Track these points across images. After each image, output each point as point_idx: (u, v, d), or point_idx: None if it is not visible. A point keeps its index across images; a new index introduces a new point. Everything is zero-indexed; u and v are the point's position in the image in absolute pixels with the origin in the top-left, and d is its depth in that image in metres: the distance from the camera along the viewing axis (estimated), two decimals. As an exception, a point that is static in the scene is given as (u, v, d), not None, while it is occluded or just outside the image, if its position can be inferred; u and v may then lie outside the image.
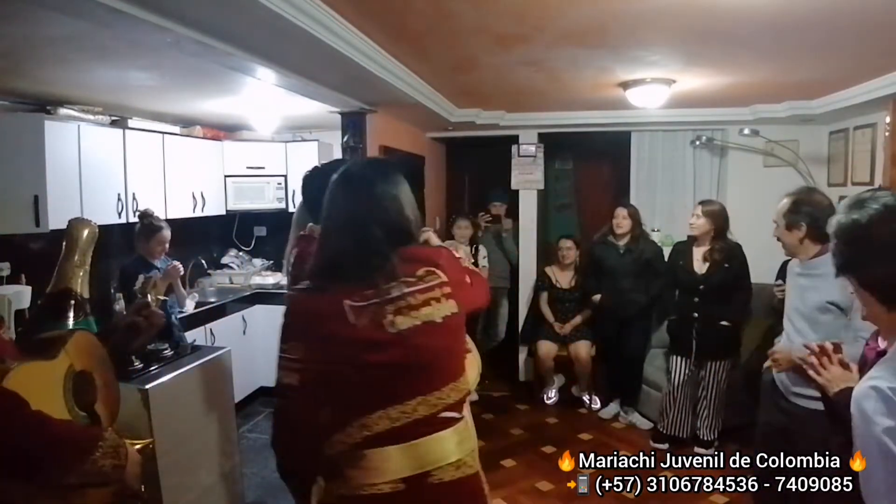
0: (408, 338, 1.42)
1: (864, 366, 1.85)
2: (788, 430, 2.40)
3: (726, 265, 3.81)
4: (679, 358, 3.99)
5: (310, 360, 1.43)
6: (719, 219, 3.86)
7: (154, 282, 1.57)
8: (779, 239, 2.52)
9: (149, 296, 1.56)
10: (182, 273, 3.61)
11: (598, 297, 4.63)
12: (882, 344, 1.81)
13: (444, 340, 1.49)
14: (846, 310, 2.32)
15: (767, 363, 2.58)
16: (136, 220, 3.64)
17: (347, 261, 1.47)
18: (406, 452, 1.40)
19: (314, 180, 2.51)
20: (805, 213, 2.38)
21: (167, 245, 3.51)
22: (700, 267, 3.88)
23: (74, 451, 1.16)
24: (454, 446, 1.45)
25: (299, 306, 1.52)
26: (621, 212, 4.57)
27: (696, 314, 3.87)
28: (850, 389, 1.75)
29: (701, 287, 3.84)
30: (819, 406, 2.18)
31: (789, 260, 2.78)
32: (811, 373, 1.82)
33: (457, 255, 1.63)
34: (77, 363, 1.25)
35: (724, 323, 3.83)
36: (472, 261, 5.03)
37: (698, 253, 3.91)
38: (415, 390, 1.43)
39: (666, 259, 4.42)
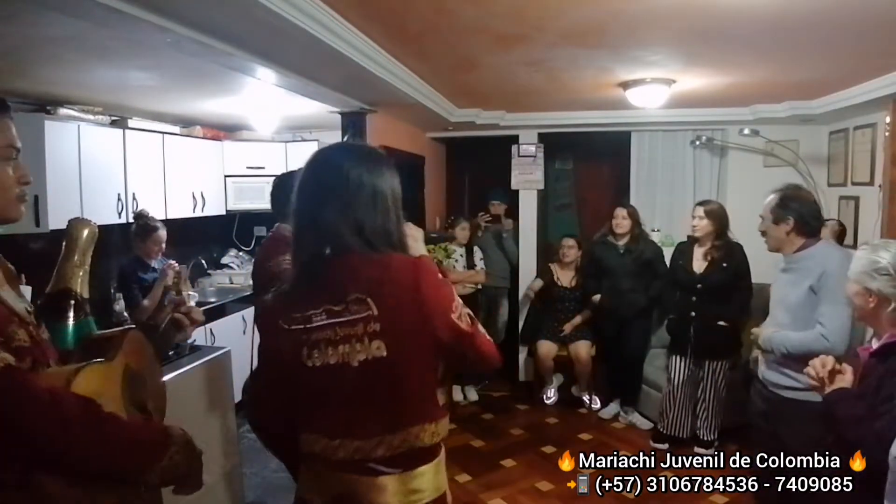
0: (322, 378, 1.27)
1: (858, 366, 1.86)
2: (767, 413, 2.54)
3: (724, 265, 3.81)
4: (678, 357, 3.99)
5: (267, 370, 1.44)
6: (720, 218, 3.87)
7: (185, 277, 1.57)
8: (764, 233, 2.58)
9: (183, 291, 1.56)
10: (184, 274, 3.61)
11: (597, 297, 4.63)
12: (875, 344, 1.83)
13: (367, 387, 1.26)
14: (817, 293, 2.41)
15: (755, 353, 2.70)
16: (133, 219, 3.64)
17: (295, 267, 1.35)
18: (335, 480, 1.32)
19: (284, 185, 2.57)
20: (792, 209, 2.47)
21: (164, 245, 3.51)
22: (699, 266, 3.89)
23: (152, 449, 1.16)
24: (390, 497, 1.28)
25: (262, 312, 1.48)
26: (621, 212, 4.57)
27: (693, 313, 3.87)
28: (841, 389, 1.77)
29: (698, 286, 3.85)
30: (792, 395, 2.38)
31: None
32: (812, 384, 1.84)
33: (442, 276, 1.33)
34: (132, 362, 1.25)
35: (721, 323, 3.83)
36: (465, 262, 5.02)
37: (699, 253, 3.92)
38: (338, 431, 1.29)
39: (666, 259, 4.42)
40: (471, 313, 1.34)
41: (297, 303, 1.29)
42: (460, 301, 1.31)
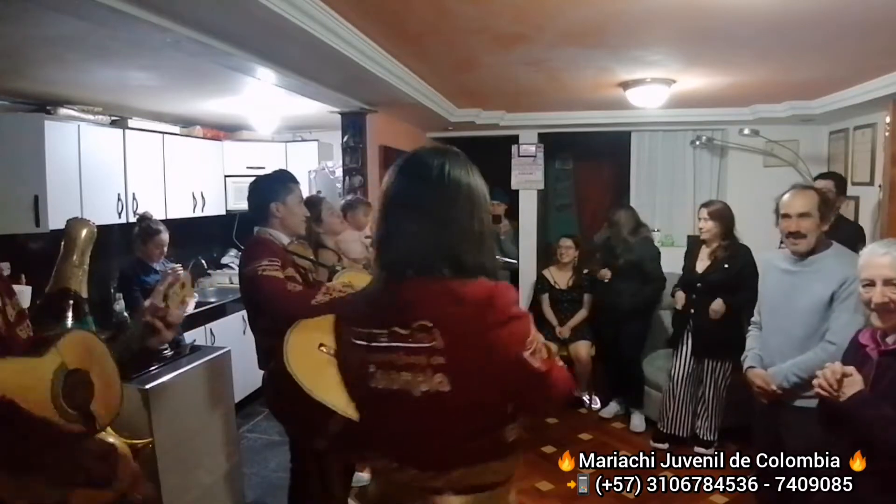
0: (385, 402, 1.19)
1: (863, 366, 1.85)
2: (769, 418, 2.51)
3: (726, 265, 3.81)
4: (678, 354, 4.00)
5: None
6: (726, 219, 3.88)
7: (182, 282, 1.54)
8: (797, 234, 2.42)
9: (171, 297, 1.53)
10: (186, 280, 3.61)
11: (606, 271, 4.56)
12: (890, 341, 1.80)
13: (428, 420, 1.17)
14: (834, 301, 2.35)
15: (746, 365, 2.70)
16: (135, 221, 3.64)
17: (375, 279, 1.27)
18: (403, 492, 1.25)
19: (261, 187, 2.65)
20: (830, 206, 2.47)
21: (165, 248, 3.51)
22: (701, 266, 3.90)
23: (47, 445, 1.15)
24: None
25: (332, 310, 1.38)
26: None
27: (692, 311, 3.88)
28: (861, 392, 1.75)
29: (698, 285, 3.85)
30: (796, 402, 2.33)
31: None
32: (823, 394, 1.82)
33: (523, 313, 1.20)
34: (70, 361, 1.24)
35: (716, 320, 3.83)
36: None
37: (704, 252, 3.94)
38: (395, 457, 1.23)
39: (666, 259, 4.42)
40: (549, 345, 1.25)
41: (365, 317, 1.23)
42: (538, 335, 1.21)
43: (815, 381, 1.84)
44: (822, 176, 3.99)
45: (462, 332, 1.14)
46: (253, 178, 2.77)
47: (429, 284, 1.18)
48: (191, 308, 4.20)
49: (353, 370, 1.23)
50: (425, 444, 1.20)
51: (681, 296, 3.95)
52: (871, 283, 1.85)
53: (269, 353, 2.42)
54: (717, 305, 3.77)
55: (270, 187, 2.63)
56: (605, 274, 4.55)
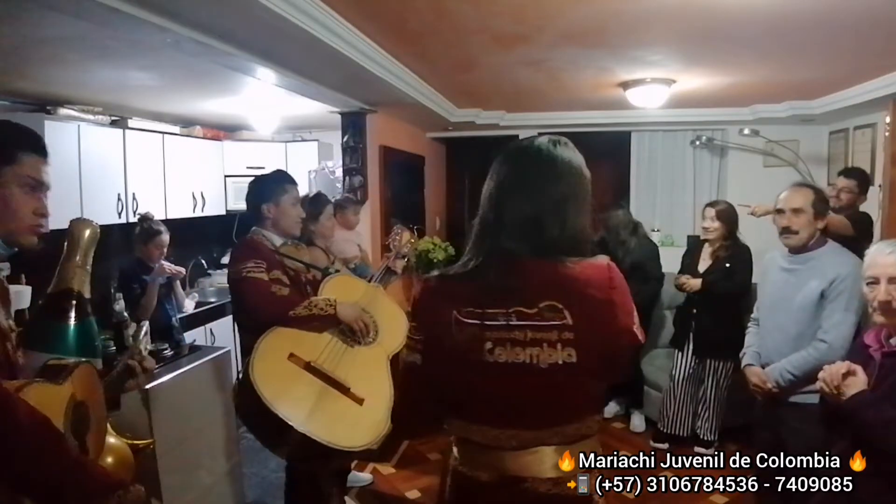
0: (504, 373, 1.28)
1: (866, 366, 1.85)
2: (769, 416, 2.52)
3: (727, 265, 3.82)
4: (679, 353, 4.01)
5: (425, 348, 1.38)
6: (730, 219, 3.89)
7: (145, 331, 1.63)
8: (788, 229, 2.45)
9: (140, 342, 1.59)
10: (180, 274, 3.61)
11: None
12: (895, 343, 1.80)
13: (553, 387, 1.28)
14: (826, 298, 2.36)
15: (744, 363, 2.70)
16: (136, 221, 3.64)
17: (476, 258, 1.32)
18: (500, 456, 1.33)
19: (260, 187, 2.66)
20: (827, 204, 2.44)
21: (165, 249, 3.51)
22: (703, 265, 3.91)
23: (94, 486, 1.14)
24: (551, 465, 1.32)
25: (425, 290, 1.41)
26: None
27: (694, 310, 3.89)
28: (864, 393, 1.75)
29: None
30: (794, 398, 2.35)
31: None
32: (826, 392, 1.82)
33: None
34: (79, 393, 1.24)
35: (716, 319, 3.83)
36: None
37: (706, 252, 3.95)
38: (511, 423, 1.31)
39: (666, 260, 4.42)
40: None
41: (478, 296, 1.28)
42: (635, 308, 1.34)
43: (820, 375, 1.85)
44: (845, 173, 3.89)
45: (589, 309, 1.25)
46: (252, 178, 2.77)
47: (550, 265, 1.26)
48: (190, 308, 4.22)
49: (465, 345, 1.29)
50: (545, 407, 1.31)
51: (692, 282, 3.86)
52: (876, 282, 1.85)
53: (246, 352, 2.41)
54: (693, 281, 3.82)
55: (264, 188, 2.63)
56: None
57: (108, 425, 1.48)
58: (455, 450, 1.42)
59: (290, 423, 2.09)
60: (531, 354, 1.26)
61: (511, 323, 1.26)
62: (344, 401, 2.27)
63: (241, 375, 2.39)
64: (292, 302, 2.38)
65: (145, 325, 1.67)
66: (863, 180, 3.80)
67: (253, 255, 2.48)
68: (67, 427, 1.19)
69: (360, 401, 2.29)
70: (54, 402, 1.17)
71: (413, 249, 3.12)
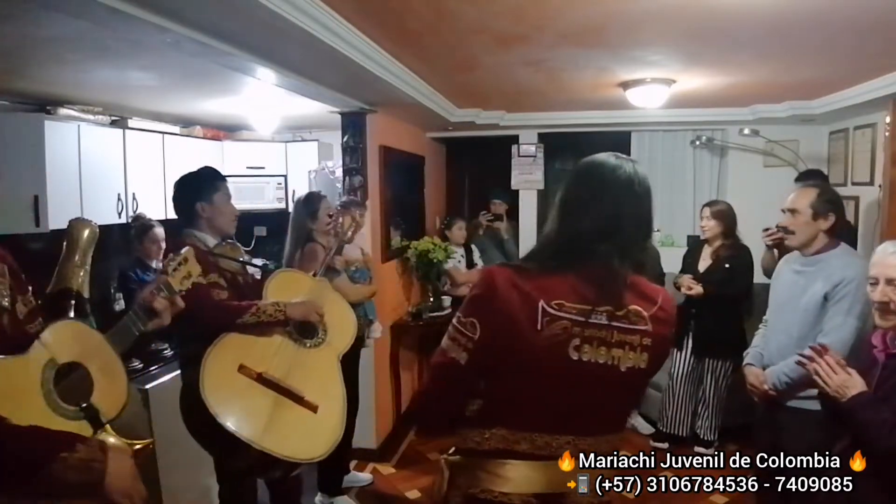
0: (584, 373, 1.28)
1: (870, 368, 1.85)
2: (768, 420, 2.54)
3: (727, 265, 3.82)
4: (678, 352, 4.01)
5: (479, 346, 1.29)
6: (728, 218, 3.89)
7: (185, 256, 1.50)
8: (785, 229, 2.45)
9: (174, 274, 1.50)
10: (188, 252, 3.60)
11: None
12: None
13: (619, 393, 1.35)
14: (829, 301, 2.35)
15: (745, 362, 2.72)
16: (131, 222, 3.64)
17: (580, 256, 1.33)
18: (541, 469, 1.31)
19: (186, 186, 2.46)
20: (835, 204, 2.39)
21: (163, 243, 3.50)
22: (703, 265, 3.92)
23: (26, 459, 1.10)
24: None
25: (502, 279, 1.30)
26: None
27: (693, 310, 3.89)
28: (864, 394, 1.75)
29: (700, 284, 3.86)
30: (794, 403, 2.36)
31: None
32: (819, 381, 1.82)
33: (451, 279, 1.42)
34: (61, 354, 1.21)
35: (716, 319, 3.83)
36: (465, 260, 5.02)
37: (706, 252, 3.96)
38: (567, 429, 1.31)
39: (666, 259, 4.42)
40: None
41: (568, 291, 1.29)
42: None
43: (813, 366, 1.85)
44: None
45: (663, 321, 1.35)
46: (181, 177, 2.54)
47: (632, 275, 1.34)
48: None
49: (548, 340, 1.27)
50: (613, 412, 1.40)
51: (695, 289, 3.85)
52: (876, 282, 1.86)
53: (188, 360, 2.29)
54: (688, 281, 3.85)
55: (195, 186, 2.45)
56: None
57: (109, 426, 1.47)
58: (463, 473, 1.35)
59: (246, 440, 2.02)
60: (614, 356, 1.30)
61: (601, 322, 1.29)
62: (298, 410, 2.20)
63: (184, 387, 2.29)
64: (238, 308, 2.26)
65: (190, 253, 1.56)
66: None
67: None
68: (50, 394, 1.16)
69: (314, 408, 2.23)
70: (21, 373, 1.14)
71: (350, 231, 2.89)
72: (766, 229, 3.35)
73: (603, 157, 1.45)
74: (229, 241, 2.51)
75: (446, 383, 1.38)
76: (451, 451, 1.42)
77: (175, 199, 2.46)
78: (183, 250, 1.54)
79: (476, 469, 1.34)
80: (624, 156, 1.46)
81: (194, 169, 2.56)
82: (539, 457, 1.31)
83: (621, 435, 1.42)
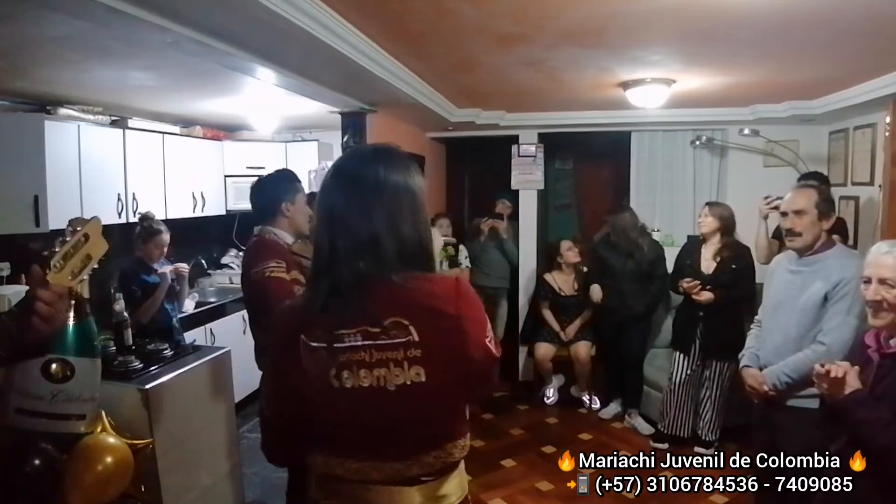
0: (355, 399, 1.21)
1: (865, 367, 1.85)
2: (767, 419, 2.52)
3: (734, 266, 3.82)
4: (681, 355, 3.99)
5: (275, 379, 1.32)
6: (726, 219, 3.89)
7: (84, 233, 1.42)
8: (791, 231, 2.44)
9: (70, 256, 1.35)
10: (186, 270, 3.62)
11: (596, 288, 4.59)
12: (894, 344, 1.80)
13: (404, 411, 1.22)
14: (829, 301, 2.35)
15: (742, 364, 2.69)
16: (137, 221, 3.64)
17: (317, 282, 1.25)
18: (367, 493, 1.27)
19: (264, 186, 2.65)
20: (833, 203, 2.42)
21: (165, 248, 3.51)
22: (707, 266, 3.90)
23: None
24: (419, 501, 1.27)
25: (276, 318, 1.34)
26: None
27: (701, 313, 3.87)
28: (859, 392, 1.75)
29: (708, 287, 3.84)
30: (792, 402, 2.36)
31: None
32: (821, 391, 1.82)
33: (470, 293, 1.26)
34: None
35: (723, 320, 3.82)
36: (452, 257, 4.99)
37: (707, 253, 3.93)
38: (369, 454, 1.25)
39: (667, 260, 4.43)
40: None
41: (323, 319, 1.21)
42: (489, 322, 1.29)
43: (816, 371, 1.84)
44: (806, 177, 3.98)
45: (438, 324, 1.20)
46: (255, 178, 2.76)
47: (392, 281, 1.20)
48: (190, 308, 4.22)
49: (313, 373, 1.22)
50: (400, 434, 1.25)
51: (703, 295, 3.83)
52: (869, 281, 1.87)
53: (264, 351, 2.38)
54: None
55: (279, 186, 2.62)
56: (597, 295, 4.56)
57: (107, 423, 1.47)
58: (316, 486, 1.33)
59: None
60: (377, 376, 1.19)
61: (357, 344, 1.19)
62: None
63: (264, 377, 2.36)
64: None
65: (93, 227, 1.46)
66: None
67: (273, 254, 2.42)
68: None
69: None
70: None
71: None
72: (767, 197, 3.35)
73: (336, 166, 1.33)
74: (304, 238, 2.65)
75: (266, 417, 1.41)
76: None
77: (258, 198, 2.63)
78: (80, 227, 1.40)
79: (318, 483, 1.34)
80: (359, 155, 1.38)
81: (273, 171, 2.78)
82: (360, 481, 1.26)
83: (443, 451, 1.28)
